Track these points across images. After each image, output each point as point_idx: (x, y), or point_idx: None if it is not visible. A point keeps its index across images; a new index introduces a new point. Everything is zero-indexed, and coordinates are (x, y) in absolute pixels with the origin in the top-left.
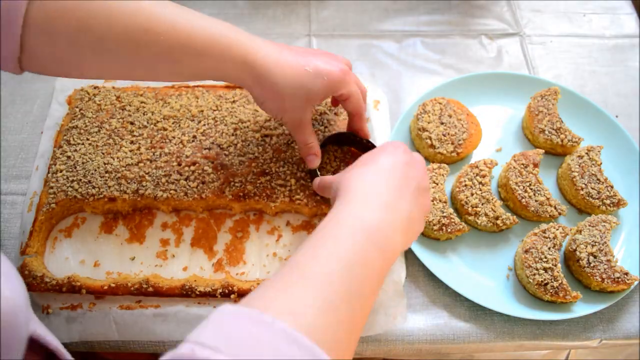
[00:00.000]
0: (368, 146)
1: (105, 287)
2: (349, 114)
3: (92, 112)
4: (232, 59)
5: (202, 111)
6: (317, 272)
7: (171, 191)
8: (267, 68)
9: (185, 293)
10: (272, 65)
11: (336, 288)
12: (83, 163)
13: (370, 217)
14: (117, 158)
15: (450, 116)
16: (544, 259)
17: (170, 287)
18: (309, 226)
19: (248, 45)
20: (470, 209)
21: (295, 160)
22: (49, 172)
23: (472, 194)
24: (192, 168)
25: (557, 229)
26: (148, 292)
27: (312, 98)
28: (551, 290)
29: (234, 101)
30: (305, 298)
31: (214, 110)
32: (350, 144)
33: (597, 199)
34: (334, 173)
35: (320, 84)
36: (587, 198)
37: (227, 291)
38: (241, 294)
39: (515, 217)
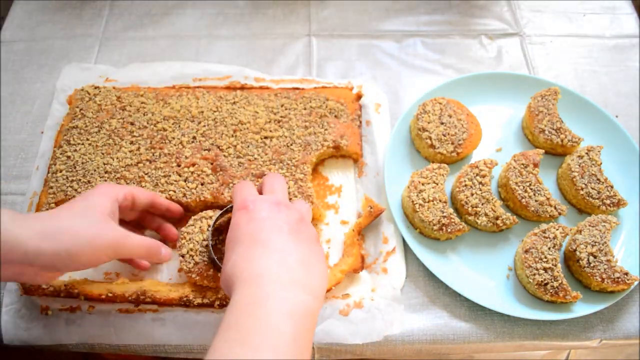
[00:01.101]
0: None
1: (103, 296)
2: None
3: (92, 112)
4: None
5: (202, 112)
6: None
7: (170, 192)
8: (45, 221)
9: (184, 304)
10: (48, 215)
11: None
12: (83, 163)
13: (270, 293)
14: (117, 158)
15: (450, 116)
16: (544, 259)
17: (167, 299)
18: None
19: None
20: (470, 209)
21: (295, 162)
22: (48, 172)
23: (472, 194)
24: (192, 169)
25: (557, 229)
26: (145, 302)
27: (99, 209)
28: (551, 290)
29: (234, 102)
30: None
31: (214, 112)
32: None
33: (597, 199)
34: None
35: (93, 198)
36: (587, 198)
37: (224, 303)
38: None
39: (515, 217)
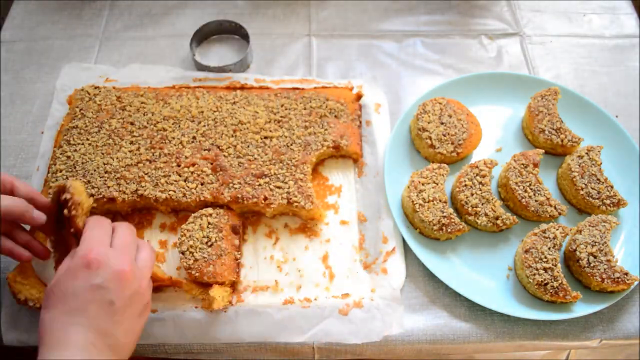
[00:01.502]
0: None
1: None
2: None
3: (92, 112)
4: None
5: (202, 112)
6: None
7: (170, 192)
8: None
9: (173, 284)
10: None
11: None
12: (83, 163)
13: None
14: (117, 158)
15: (450, 116)
16: (544, 259)
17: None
18: (306, 229)
19: None
20: (470, 209)
21: (294, 162)
22: (48, 172)
23: (472, 194)
24: (191, 169)
25: (557, 229)
26: None
27: None
28: (551, 290)
29: (234, 102)
30: None
31: (214, 112)
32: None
33: (597, 199)
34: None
35: None
36: (587, 198)
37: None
38: None
39: (515, 217)
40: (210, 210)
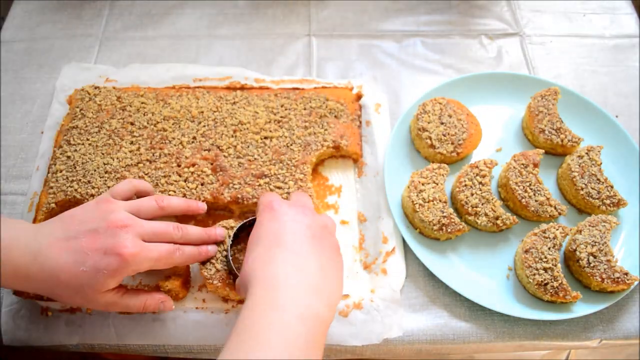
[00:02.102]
0: None
1: None
2: None
3: (92, 112)
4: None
5: (202, 112)
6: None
7: (170, 192)
8: (43, 279)
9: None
10: (48, 277)
11: None
12: (83, 163)
13: (281, 301)
14: (117, 158)
15: (450, 116)
16: (544, 259)
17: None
18: None
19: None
20: (470, 209)
21: (295, 162)
22: (48, 172)
23: (472, 194)
24: (192, 169)
25: (557, 229)
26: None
27: (99, 289)
28: (551, 290)
29: (234, 102)
30: None
31: (214, 112)
32: None
33: (597, 199)
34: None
35: (102, 279)
36: (587, 198)
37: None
38: None
39: (515, 217)
40: (231, 222)
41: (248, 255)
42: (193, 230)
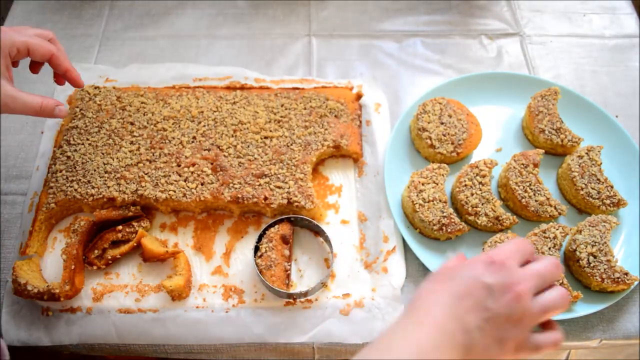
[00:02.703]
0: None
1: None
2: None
3: (92, 112)
4: None
5: (202, 112)
6: None
7: (170, 192)
8: None
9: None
10: None
11: None
12: (83, 163)
13: (421, 342)
14: (117, 158)
15: (450, 116)
16: None
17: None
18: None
19: None
20: (470, 209)
21: (295, 162)
22: (48, 172)
23: (472, 194)
24: (192, 169)
25: (557, 229)
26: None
27: None
28: None
29: (234, 102)
30: None
31: (214, 112)
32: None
33: (597, 199)
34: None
35: None
36: (587, 198)
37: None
38: None
39: (515, 217)
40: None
41: (432, 277)
42: None
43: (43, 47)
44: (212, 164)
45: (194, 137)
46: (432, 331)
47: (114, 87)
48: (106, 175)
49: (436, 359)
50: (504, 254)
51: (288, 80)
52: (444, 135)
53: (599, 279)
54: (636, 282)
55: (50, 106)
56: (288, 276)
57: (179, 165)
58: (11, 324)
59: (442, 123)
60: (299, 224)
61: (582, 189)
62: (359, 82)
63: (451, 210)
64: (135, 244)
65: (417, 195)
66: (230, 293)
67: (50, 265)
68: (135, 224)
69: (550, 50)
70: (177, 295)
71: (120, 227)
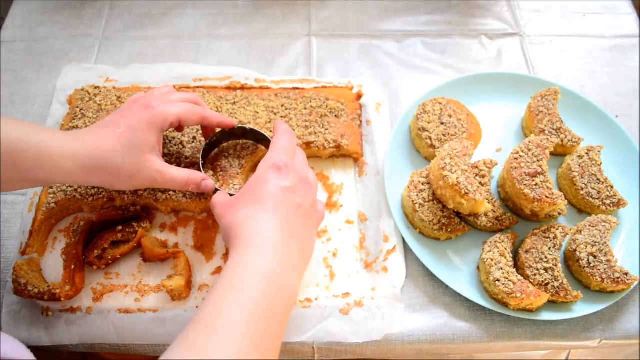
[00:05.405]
0: (258, 137)
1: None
2: (202, 127)
3: (92, 112)
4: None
5: None
6: (224, 326)
7: (170, 192)
8: (88, 152)
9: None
10: (92, 148)
11: (245, 338)
12: None
13: (264, 264)
14: None
15: (450, 116)
16: (545, 259)
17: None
18: None
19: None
20: None
21: None
22: None
23: None
24: (192, 169)
25: (557, 229)
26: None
27: (142, 148)
28: (552, 290)
29: (234, 102)
30: (217, 354)
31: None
32: (242, 137)
33: (597, 199)
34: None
35: (140, 133)
36: (587, 198)
37: None
38: None
39: (515, 217)
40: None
41: (239, 206)
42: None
43: (194, 115)
44: (212, 164)
45: (194, 137)
46: (272, 252)
47: (114, 87)
48: None
49: (283, 274)
50: (284, 155)
51: (288, 80)
52: (444, 135)
53: (599, 279)
54: (636, 282)
55: (197, 181)
56: None
57: (179, 165)
58: (11, 324)
59: (442, 123)
60: (248, 137)
61: (582, 189)
62: (359, 82)
63: (451, 210)
64: (135, 244)
65: (417, 195)
66: None
67: (50, 265)
68: (135, 224)
69: (550, 50)
70: (177, 295)
71: (120, 227)
